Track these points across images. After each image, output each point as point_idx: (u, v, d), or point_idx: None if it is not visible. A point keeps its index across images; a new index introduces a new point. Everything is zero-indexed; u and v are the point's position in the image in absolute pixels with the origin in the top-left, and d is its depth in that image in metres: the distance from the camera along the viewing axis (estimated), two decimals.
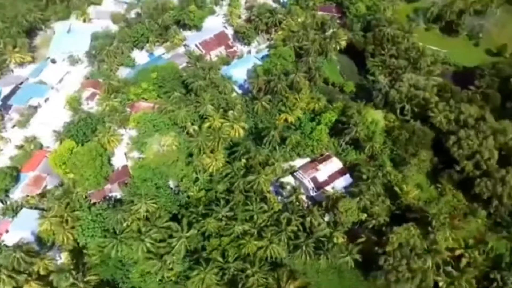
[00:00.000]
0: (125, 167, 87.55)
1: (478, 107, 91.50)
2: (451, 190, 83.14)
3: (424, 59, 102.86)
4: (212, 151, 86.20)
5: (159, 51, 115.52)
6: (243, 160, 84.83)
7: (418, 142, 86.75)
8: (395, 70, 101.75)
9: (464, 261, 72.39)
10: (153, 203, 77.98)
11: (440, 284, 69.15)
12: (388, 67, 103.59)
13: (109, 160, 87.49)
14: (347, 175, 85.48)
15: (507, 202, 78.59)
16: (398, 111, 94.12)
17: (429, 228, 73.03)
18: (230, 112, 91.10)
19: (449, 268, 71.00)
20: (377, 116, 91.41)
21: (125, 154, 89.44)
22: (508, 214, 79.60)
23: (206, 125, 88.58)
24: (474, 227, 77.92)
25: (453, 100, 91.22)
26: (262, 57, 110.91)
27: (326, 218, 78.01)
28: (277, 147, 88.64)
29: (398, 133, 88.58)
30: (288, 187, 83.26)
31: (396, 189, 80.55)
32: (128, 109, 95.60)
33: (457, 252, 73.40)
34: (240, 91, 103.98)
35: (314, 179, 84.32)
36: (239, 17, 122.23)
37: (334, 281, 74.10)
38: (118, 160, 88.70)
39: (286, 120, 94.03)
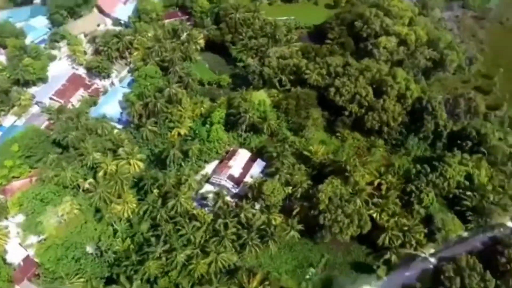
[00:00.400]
0: (27, 258, 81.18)
1: (340, 55, 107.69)
2: (349, 134, 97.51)
3: (280, 31, 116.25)
4: (119, 196, 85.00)
5: (9, 120, 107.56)
6: (155, 191, 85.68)
7: (305, 105, 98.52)
8: (259, 49, 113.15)
9: (384, 187, 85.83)
10: (79, 278, 74.32)
11: (374, 215, 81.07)
12: (252, 49, 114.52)
13: (4, 260, 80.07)
14: (259, 160, 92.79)
15: (393, 125, 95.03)
16: (277, 84, 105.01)
17: (346, 174, 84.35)
18: (120, 150, 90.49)
19: (375, 199, 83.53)
20: (261, 96, 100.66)
21: (21, 244, 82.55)
22: (398, 134, 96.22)
23: (100, 174, 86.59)
24: (379, 156, 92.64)
25: (318, 58, 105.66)
26: (129, 84, 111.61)
27: (257, 207, 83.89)
28: (182, 164, 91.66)
29: (285, 103, 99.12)
30: (210, 195, 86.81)
31: (305, 153, 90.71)
32: (0, 196, 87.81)
33: (376, 183, 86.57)
34: (121, 126, 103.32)
35: (230, 177, 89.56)
36: (85, 53, 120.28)
37: (289, 259, 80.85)
38: (16, 255, 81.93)
39: (179, 134, 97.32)
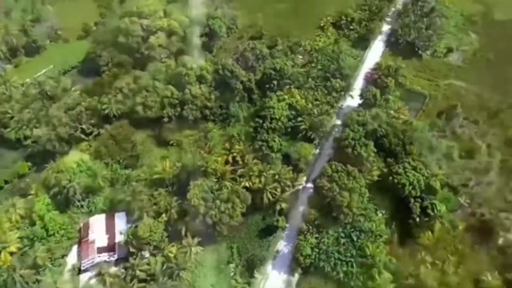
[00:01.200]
0: None
1: (125, 74, 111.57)
2: (181, 135, 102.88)
3: (48, 85, 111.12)
4: None
5: None
6: None
7: (124, 137, 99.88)
8: (39, 115, 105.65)
9: (238, 158, 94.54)
10: None
11: (247, 184, 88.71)
12: (30, 120, 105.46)
13: None
14: (117, 214, 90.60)
15: (211, 104, 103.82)
16: (82, 136, 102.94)
17: (202, 169, 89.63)
18: None
19: (239, 171, 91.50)
20: (75, 157, 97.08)
21: None
22: (220, 109, 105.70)
23: None
24: (217, 137, 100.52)
25: (106, 89, 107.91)
26: None
27: (147, 254, 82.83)
28: (38, 277, 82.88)
29: (104, 148, 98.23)
30: (93, 281, 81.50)
31: (155, 177, 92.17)
32: None
33: (230, 159, 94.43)
34: None
35: (100, 250, 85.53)
36: None
37: (207, 273, 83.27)
38: None
39: (12, 253, 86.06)
